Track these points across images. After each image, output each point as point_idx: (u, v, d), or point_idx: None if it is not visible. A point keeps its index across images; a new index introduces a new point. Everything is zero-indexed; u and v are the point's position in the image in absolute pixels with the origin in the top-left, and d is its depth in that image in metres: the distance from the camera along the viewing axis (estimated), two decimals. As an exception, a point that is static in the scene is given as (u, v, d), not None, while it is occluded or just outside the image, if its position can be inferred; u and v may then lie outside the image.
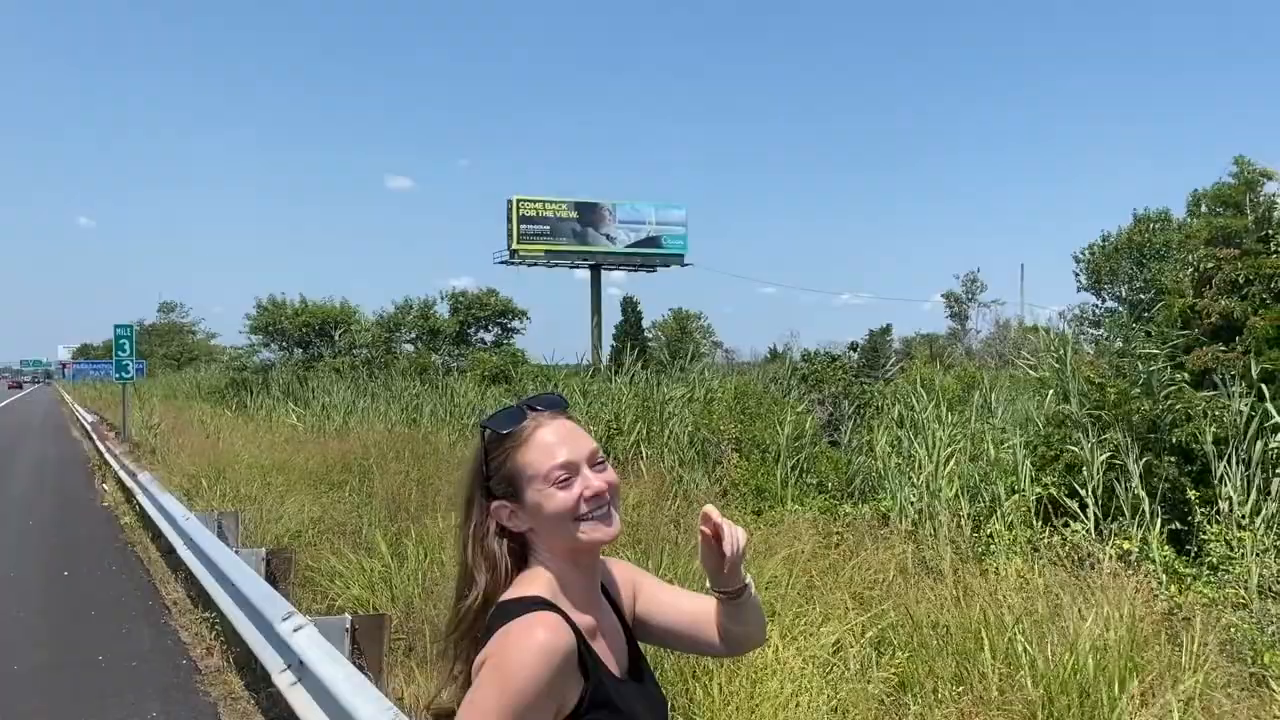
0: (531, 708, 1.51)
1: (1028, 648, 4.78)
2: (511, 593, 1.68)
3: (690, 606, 1.91)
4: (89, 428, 29.48)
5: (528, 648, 1.54)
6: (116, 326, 25.79)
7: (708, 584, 1.86)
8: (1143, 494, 9.29)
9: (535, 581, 1.68)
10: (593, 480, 1.68)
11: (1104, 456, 9.65)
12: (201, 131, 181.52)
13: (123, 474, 16.04)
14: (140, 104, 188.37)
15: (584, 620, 1.67)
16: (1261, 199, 12.88)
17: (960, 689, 4.60)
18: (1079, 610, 5.19)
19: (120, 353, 25.49)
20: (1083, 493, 9.33)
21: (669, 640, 1.96)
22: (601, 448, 1.75)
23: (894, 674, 4.92)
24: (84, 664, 7.49)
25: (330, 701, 4.57)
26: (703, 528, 1.77)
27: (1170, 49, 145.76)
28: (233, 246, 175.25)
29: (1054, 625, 5.04)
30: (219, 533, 9.13)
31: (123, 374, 25.70)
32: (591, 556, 1.73)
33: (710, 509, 1.77)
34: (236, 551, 8.00)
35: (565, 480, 1.67)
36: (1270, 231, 12.29)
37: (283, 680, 5.39)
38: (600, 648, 1.68)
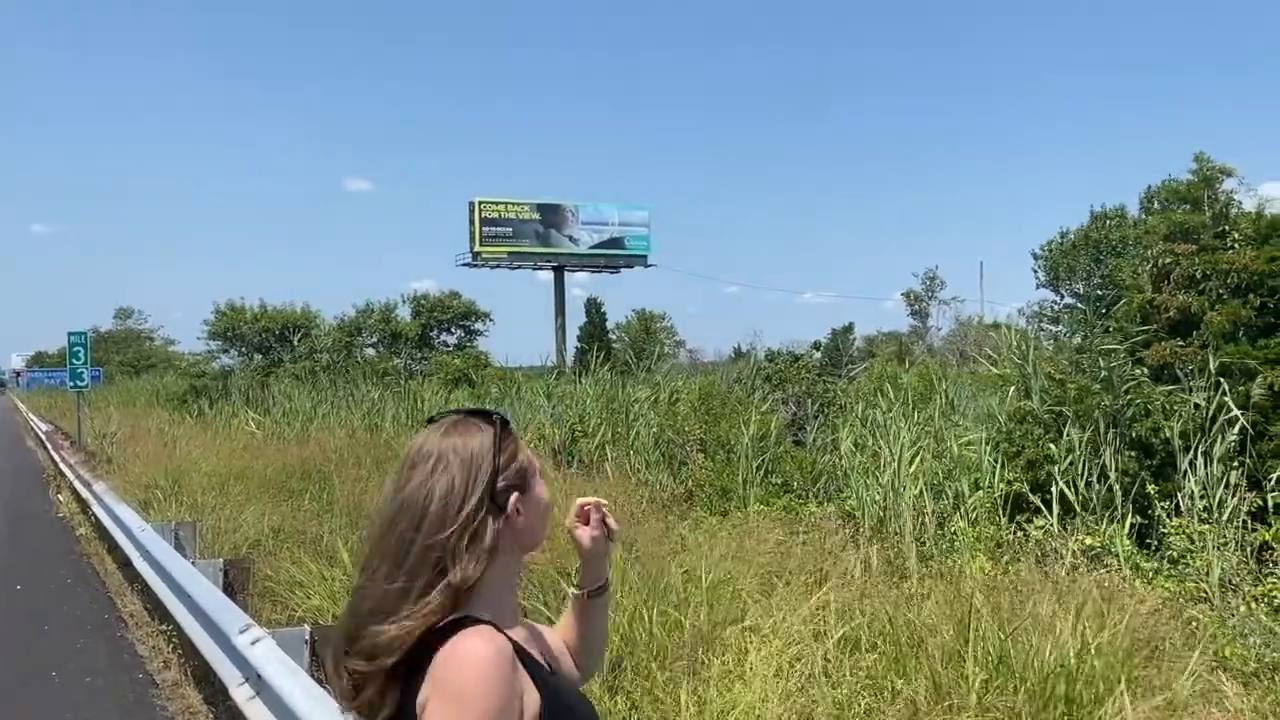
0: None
1: (1013, 649, 4.76)
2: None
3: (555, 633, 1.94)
4: (43, 437, 28.98)
5: (477, 665, 1.48)
6: (70, 334, 25.31)
7: (576, 585, 1.93)
8: (1116, 488, 9.37)
9: (469, 604, 1.60)
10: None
11: (1078, 454, 9.71)
12: (156, 136, 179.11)
13: (78, 484, 15.74)
14: (94, 109, 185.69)
15: (521, 632, 1.69)
16: (1220, 195, 13.04)
17: (934, 694, 4.56)
18: (1061, 611, 5.19)
19: (75, 360, 25.04)
20: (1061, 484, 9.40)
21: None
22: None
23: (865, 678, 4.87)
24: (38, 680, 7.31)
25: (289, 715, 4.48)
26: (580, 529, 1.87)
27: (1127, 47, 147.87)
28: (190, 252, 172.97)
29: (1033, 627, 5.02)
30: (176, 543, 8.96)
31: (77, 382, 25.25)
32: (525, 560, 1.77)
33: (581, 500, 1.89)
34: (194, 562, 7.86)
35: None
36: (1227, 227, 12.43)
37: (240, 694, 5.29)
38: (536, 653, 1.68)
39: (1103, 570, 6.93)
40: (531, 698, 1.54)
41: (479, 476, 1.61)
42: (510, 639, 1.56)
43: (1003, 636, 4.86)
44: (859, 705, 4.59)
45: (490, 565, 1.60)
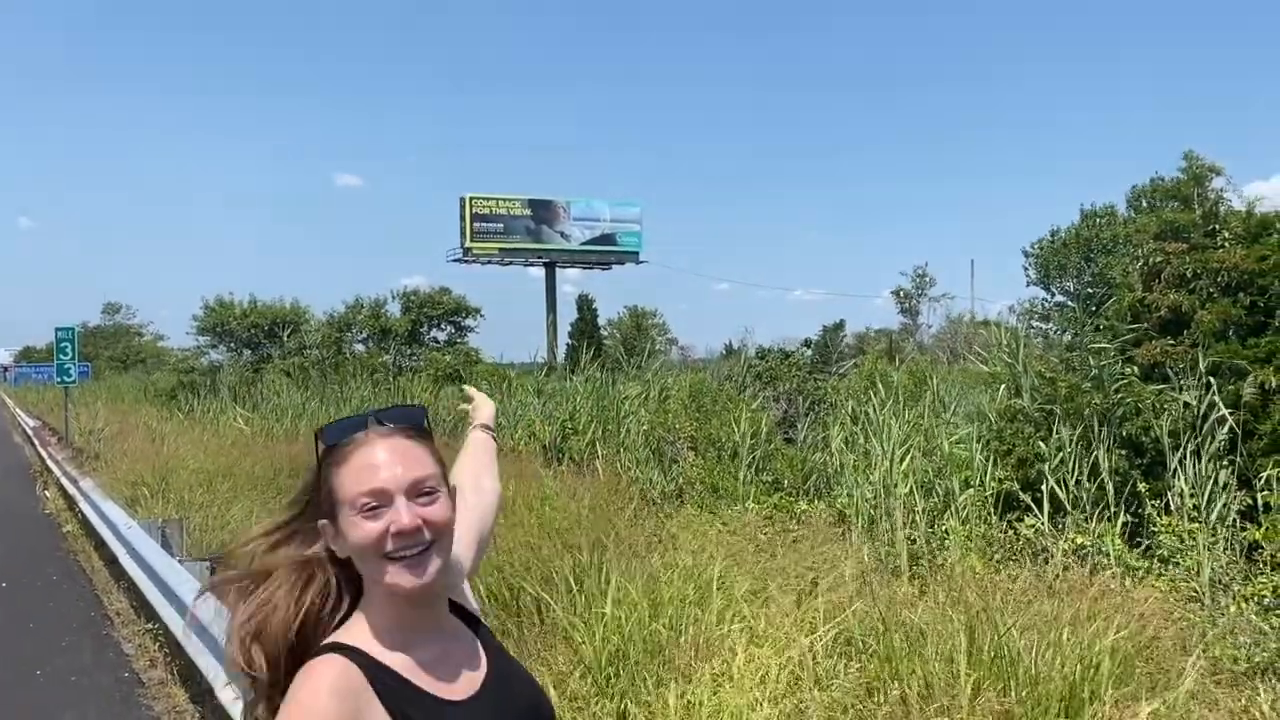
0: None
1: (1011, 650, 4.74)
2: (335, 635, 1.55)
3: (469, 514, 1.90)
4: (30, 433, 28.83)
5: (303, 691, 1.44)
6: (58, 329, 25.19)
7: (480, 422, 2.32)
8: (1108, 486, 9.37)
9: (357, 622, 1.56)
10: (402, 514, 1.49)
11: (1067, 452, 9.71)
12: (143, 130, 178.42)
13: (65, 481, 15.67)
14: (79, 103, 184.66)
15: (414, 658, 1.54)
16: (1210, 194, 13.04)
17: (926, 695, 4.54)
18: (1058, 612, 5.17)
19: (62, 356, 24.91)
20: (1052, 481, 9.39)
21: (482, 550, 1.99)
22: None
23: (859, 680, 4.84)
24: (22, 679, 7.26)
25: (275, 717, 4.43)
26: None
27: (1117, 43, 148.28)
28: (179, 247, 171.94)
29: (1030, 628, 5.01)
30: (162, 541, 8.91)
31: (65, 377, 25.10)
32: (413, 599, 1.54)
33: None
34: (180, 560, 7.81)
35: (374, 510, 1.50)
36: (1217, 226, 12.44)
37: (227, 694, 5.25)
38: (431, 682, 1.54)
39: (1094, 569, 6.93)
40: None
41: (306, 493, 1.60)
42: (386, 666, 1.50)
43: (997, 637, 4.84)
44: (850, 708, 4.56)
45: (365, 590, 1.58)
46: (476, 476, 2.12)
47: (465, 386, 2.54)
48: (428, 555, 1.51)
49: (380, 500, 1.50)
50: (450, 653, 1.59)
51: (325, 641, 1.53)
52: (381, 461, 1.52)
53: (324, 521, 1.56)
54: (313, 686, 1.44)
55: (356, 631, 1.54)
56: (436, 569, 1.52)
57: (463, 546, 1.80)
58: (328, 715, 1.41)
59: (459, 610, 1.69)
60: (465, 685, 1.57)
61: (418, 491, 1.52)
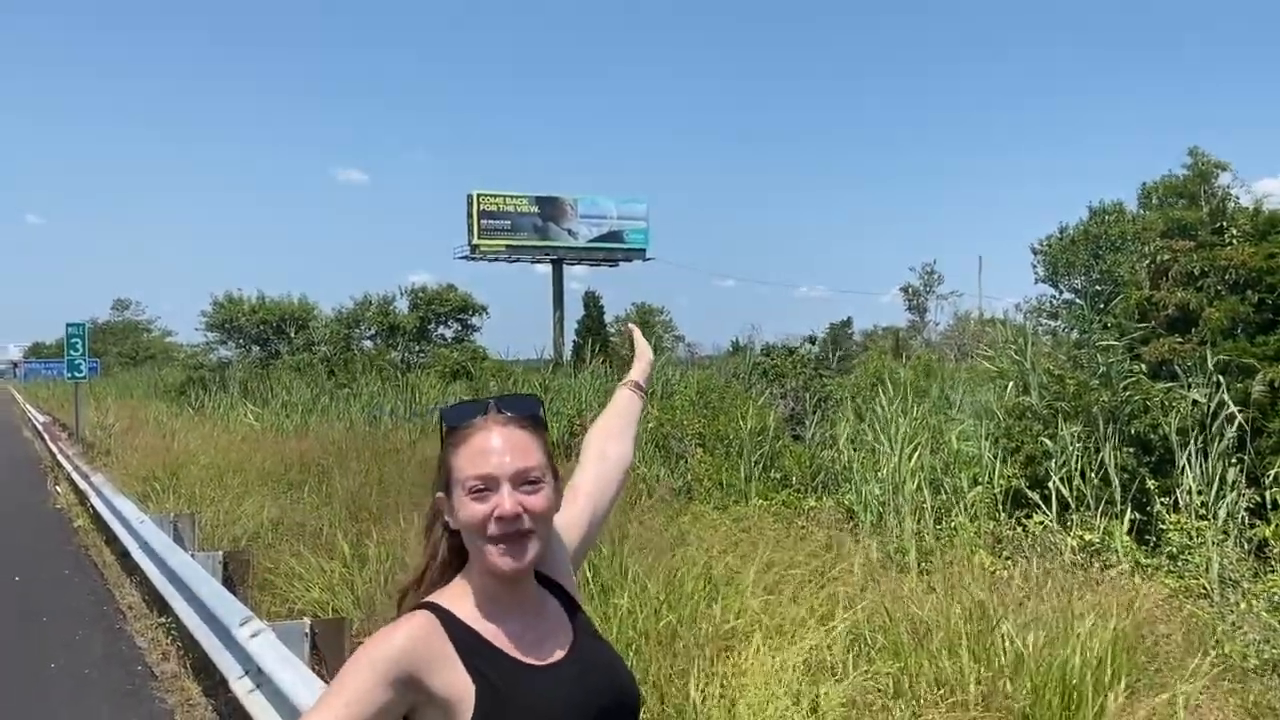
0: (361, 701, 1.51)
1: (1015, 645, 4.76)
2: (433, 595, 1.67)
3: (584, 486, 1.97)
4: (41, 428, 28.94)
5: (372, 646, 1.57)
6: (68, 325, 25.30)
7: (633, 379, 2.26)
8: (1115, 484, 9.39)
9: (456, 585, 1.68)
10: (505, 501, 1.59)
11: (1071, 450, 9.72)
12: (148, 127, 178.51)
13: (76, 475, 15.73)
14: (86, 101, 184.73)
15: (500, 626, 1.64)
16: (1216, 191, 13.04)
17: (941, 691, 4.56)
18: (1061, 607, 5.19)
19: (72, 352, 25.00)
20: (1057, 480, 9.41)
21: (596, 522, 1.98)
22: (550, 459, 1.68)
23: (870, 674, 4.86)
24: (35, 672, 7.30)
25: (289, 708, 4.48)
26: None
27: (1124, 41, 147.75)
28: (187, 244, 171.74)
29: (1036, 624, 5.02)
30: (174, 535, 8.96)
31: (75, 373, 25.21)
32: (504, 579, 1.63)
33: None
34: (192, 555, 7.86)
35: (481, 492, 1.60)
36: (1224, 224, 12.43)
37: (240, 687, 5.29)
38: (511, 647, 1.63)
39: (1102, 566, 6.94)
40: (451, 680, 1.56)
41: (438, 467, 1.71)
42: (469, 627, 1.61)
43: (990, 630, 4.87)
44: (862, 700, 4.58)
45: (456, 556, 1.68)
46: (604, 443, 2.08)
47: (631, 326, 2.44)
48: (526, 541, 1.61)
49: (488, 484, 1.60)
50: (537, 626, 1.68)
51: (424, 600, 1.67)
52: (494, 448, 1.63)
53: (440, 494, 1.69)
54: (389, 631, 1.59)
55: (452, 594, 1.67)
56: (534, 555, 1.63)
57: (569, 520, 1.88)
58: (389, 657, 1.55)
59: (560, 592, 1.77)
60: (547, 655, 1.66)
61: (523, 480, 1.62)
